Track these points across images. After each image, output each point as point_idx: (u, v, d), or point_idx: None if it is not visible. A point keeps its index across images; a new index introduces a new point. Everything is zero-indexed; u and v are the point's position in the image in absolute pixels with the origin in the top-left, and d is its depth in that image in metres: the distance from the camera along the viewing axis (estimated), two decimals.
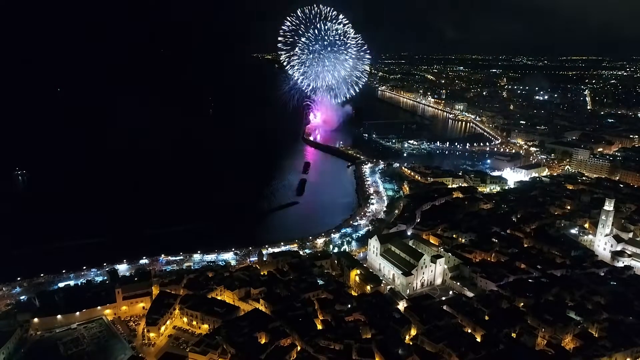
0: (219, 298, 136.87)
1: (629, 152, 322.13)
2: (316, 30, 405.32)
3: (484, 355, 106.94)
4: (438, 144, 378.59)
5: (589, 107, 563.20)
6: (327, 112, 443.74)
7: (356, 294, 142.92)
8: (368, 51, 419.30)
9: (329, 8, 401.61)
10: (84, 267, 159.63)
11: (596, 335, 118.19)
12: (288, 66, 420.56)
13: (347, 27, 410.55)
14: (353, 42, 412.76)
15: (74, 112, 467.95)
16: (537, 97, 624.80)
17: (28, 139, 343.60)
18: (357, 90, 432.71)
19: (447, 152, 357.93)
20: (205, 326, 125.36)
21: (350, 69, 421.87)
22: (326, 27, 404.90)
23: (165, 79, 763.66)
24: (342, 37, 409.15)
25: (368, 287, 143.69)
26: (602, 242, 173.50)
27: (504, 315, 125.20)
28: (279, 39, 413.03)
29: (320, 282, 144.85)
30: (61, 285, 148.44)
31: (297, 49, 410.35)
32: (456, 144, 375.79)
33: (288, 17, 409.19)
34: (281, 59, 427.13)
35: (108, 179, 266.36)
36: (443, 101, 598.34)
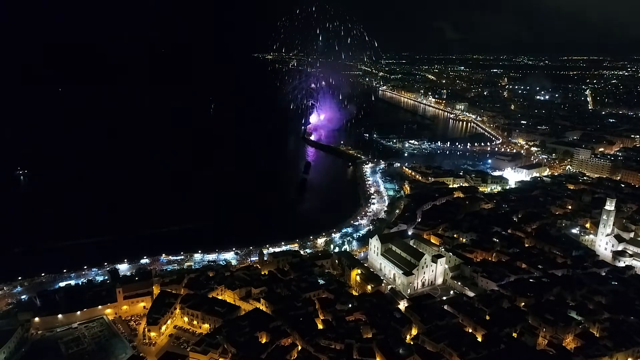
0: (219, 298, 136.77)
1: (630, 151, 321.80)
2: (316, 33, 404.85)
3: (485, 355, 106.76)
4: (439, 144, 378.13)
5: (590, 107, 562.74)
6: (331, 112, 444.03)
7: (357, 294, 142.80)
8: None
9: (332, 9, 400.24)
10: (85, 267, 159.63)
11: (597, 335, 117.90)
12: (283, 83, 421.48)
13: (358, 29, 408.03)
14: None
15: (75, 112, 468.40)
16: (538, 97, 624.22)
17: (29, 139, 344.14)
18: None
19: (448, 152, 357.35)
20: (206, 326, 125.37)
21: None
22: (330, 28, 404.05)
23: (165, 79, 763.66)
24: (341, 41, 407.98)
25: (369, 287, 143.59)
26: (603, 241, 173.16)
27: (505, 315, 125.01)
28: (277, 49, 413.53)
29: (321, 281, 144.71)
30: (62, 284, 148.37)
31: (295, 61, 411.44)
32: (457, 143, 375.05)
33: (284, 20, 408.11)
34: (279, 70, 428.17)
35: (109, 179, 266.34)
36: (444, 101, 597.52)
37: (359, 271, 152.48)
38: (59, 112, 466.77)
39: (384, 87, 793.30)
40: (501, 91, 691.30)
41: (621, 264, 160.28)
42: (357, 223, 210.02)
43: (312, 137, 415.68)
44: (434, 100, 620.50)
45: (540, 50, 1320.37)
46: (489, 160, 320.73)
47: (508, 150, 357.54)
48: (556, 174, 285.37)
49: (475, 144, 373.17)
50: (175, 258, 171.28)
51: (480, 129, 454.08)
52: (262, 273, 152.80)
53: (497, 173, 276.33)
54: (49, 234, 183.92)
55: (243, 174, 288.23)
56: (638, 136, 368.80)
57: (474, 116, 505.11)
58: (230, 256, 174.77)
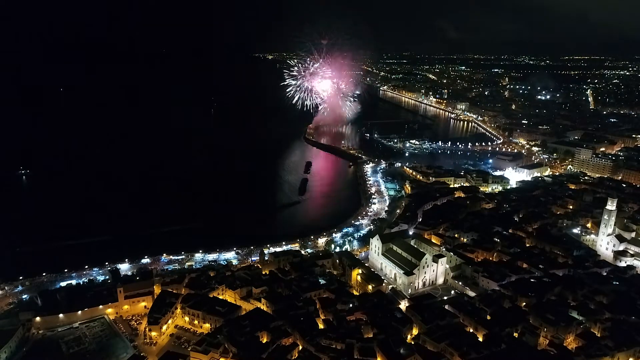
0: (220, 297, 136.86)
1: (632, 151, 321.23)
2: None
3: (485, 355, 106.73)
4: (440, 144, 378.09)
5: (591, 107, 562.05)
6: (337, 110, 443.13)
7: (358, 294, 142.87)
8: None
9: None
10: (86, 266, 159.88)
11: (598, 335, 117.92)
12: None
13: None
14: None
15: (76, 112, 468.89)
16: (539, 97, 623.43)
17: (31, 139, 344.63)
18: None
19: (449, 152, 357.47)
20: (207, 325, 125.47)
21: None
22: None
23: (166, 78, 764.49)
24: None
25: (370, 287, 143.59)
26: (604, 241, 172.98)
27: (506, 314, 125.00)
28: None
29: (322, 281, 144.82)
30: (63, 284, 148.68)
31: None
32: (458, 143, 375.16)
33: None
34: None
35: (110, 178, 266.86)
36: (445, 101, 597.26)
37: (360, 271, 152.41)
38: (62, 112, 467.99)
39: (385, 87, 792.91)
40: (502, 91, 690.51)
41: (622, 264, 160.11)
42: (358, 223, 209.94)
43: (312, 137, 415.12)
44: (434, 100, 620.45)
45: (542, 50, 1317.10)
46: (490, 160, 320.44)
47: (509, 150, 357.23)
48: (557, 173, 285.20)
49: (476, 143, 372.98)
50: (176, 258, 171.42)
51: (481, 128, 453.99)
52: (263, 273, 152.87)
53: (498, 173, 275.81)
54: (50, 234, 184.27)
55: (244, 174, 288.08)
56: (639, 136, 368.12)
57: (474, 116, 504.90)
58: (231, 256, 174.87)
